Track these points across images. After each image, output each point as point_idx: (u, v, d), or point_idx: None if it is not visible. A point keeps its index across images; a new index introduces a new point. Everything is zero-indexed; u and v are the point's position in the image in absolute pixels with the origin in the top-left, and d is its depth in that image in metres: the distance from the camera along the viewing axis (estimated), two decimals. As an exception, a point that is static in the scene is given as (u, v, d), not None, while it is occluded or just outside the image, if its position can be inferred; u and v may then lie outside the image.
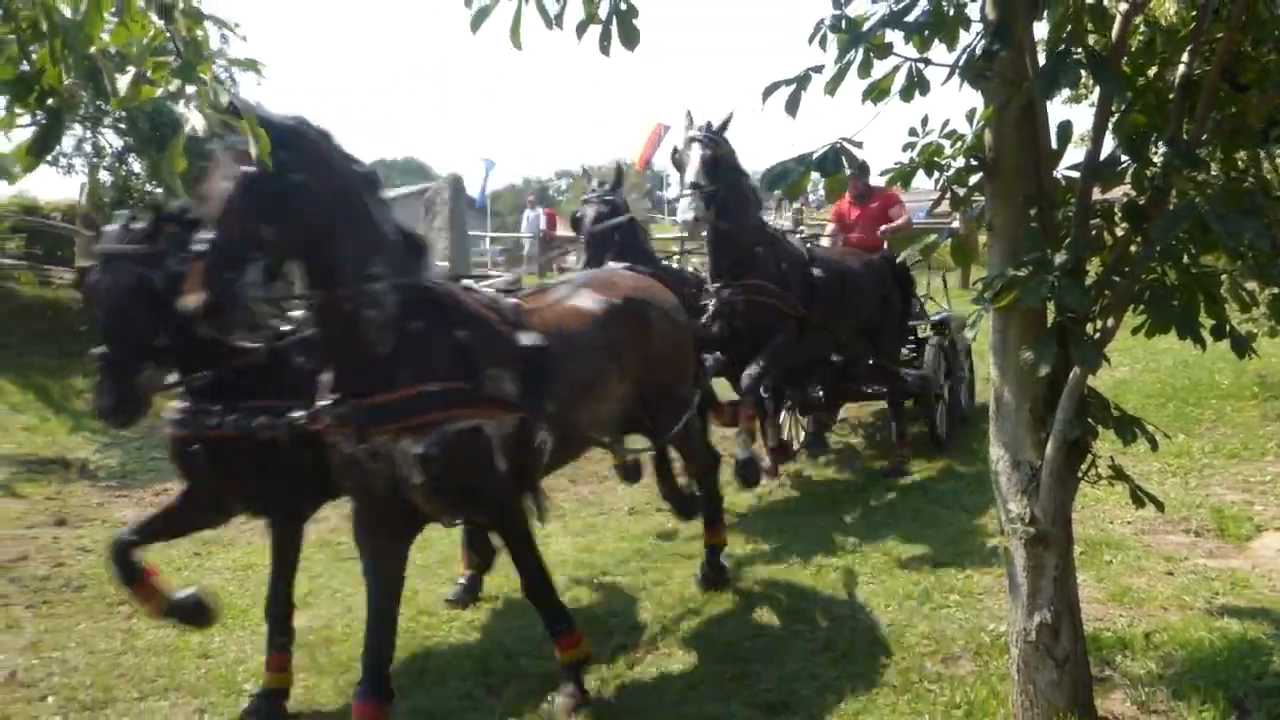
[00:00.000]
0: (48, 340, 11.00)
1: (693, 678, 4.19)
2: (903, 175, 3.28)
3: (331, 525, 6.54)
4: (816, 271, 6.92)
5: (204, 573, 5.88)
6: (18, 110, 2.20)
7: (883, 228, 8.09)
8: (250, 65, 2.67)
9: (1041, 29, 3.21)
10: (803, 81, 3.03)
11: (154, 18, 2.31)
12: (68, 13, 2.28)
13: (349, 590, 5.35)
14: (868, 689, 3.96)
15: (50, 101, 2.24)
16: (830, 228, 8.64)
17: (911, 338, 8.61)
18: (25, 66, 2.26)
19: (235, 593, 5.50)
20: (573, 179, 52.11)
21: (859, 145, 2.98)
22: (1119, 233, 3.26)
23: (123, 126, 14.27)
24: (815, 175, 2.98)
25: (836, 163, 2.95)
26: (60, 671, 4.46)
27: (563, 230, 27.30)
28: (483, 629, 4.89)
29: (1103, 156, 3.17)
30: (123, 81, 2.22)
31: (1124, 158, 3.16)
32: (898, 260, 8.13)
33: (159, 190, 12.27)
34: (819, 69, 3.03)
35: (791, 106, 3.04)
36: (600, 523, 6.72)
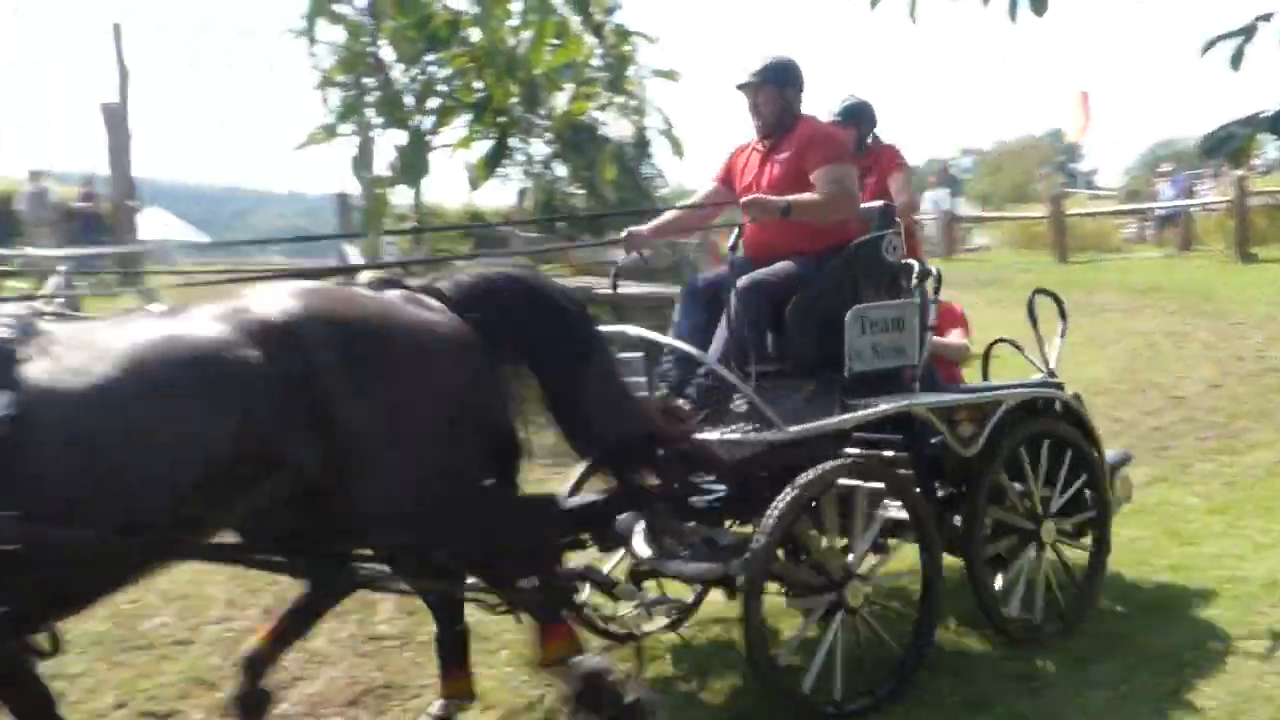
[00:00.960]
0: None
1: (1124, 687, 3.89)
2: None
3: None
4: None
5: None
6: (476, 129, 2.50)
7: (748, 198, 4.13)
8: (669, 75, 2.86)
9: None
10: (1249, 32, 2.71)
11: (586, 38, 2.53)
12: (511, 41, 2.56)
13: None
14: (1336, 716, 3.49)
15: (500, 120, 2.53)
16: (709, 187, 4.65)
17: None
18: (480, 91, 2.56)
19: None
20: (979, 156, 49.83)
21: (1321, 98, 2.60)
22: None
23: (549, 136, 15.67)
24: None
25: (1292, 122, 2.61)
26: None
27: (968, 209, 26.33)
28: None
29: None
30: (559, 98, 2.46)
31: None
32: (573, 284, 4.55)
33: (581, 192, 13.33)
34: (1266, 17, 2.70)
35: (1236, 61, 2.73)
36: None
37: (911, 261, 4.12)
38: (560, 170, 16.06)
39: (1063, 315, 4.89)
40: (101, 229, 17.71)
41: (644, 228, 4.64)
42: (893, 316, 4.01)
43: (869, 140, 5.46)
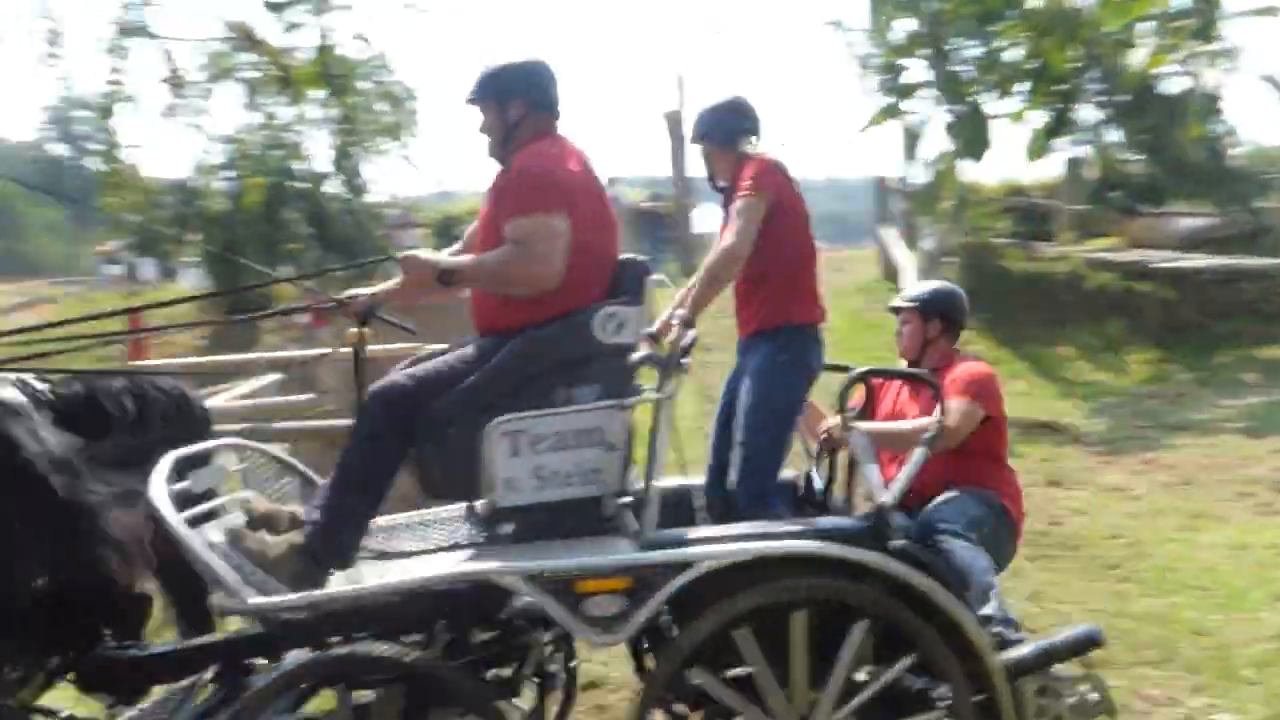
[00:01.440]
0: (1036, 311, 11.92)
1: None
2: None
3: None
4: None
5: (1193, 548, 5.71)
6: (1033, 99, 2.39)
7: (402, 254, 3.08)
8: (1269, 12, 2.52)
9: None
10: None
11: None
12: (1070, 4, 2.41)
13: None
14: None
15: (1058, 88, 2.39)
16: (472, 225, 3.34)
17: None
18: (1036, 60, 2.45)
19: (1230, 572, 5.25)
20: None
21: None
22: None
23: (1102, 100, 14.48)
24: None
25: None
26: (1059, 622, 4.74)
27: None
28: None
29: None
30: (1133, 56, 2.28)
31: None
32: None
33: (1140, 158, 12.20)
34: None
35: None
36: None
37: (639, 342, 2.78)
38: (1115, 136, 14.81)
39: (936, 395, 3.03)
40: (664, 226, 19.66)
41: (366, 291, 3.40)
42: (578, 428, 2.75)
43: (744, 150, 3.74)
